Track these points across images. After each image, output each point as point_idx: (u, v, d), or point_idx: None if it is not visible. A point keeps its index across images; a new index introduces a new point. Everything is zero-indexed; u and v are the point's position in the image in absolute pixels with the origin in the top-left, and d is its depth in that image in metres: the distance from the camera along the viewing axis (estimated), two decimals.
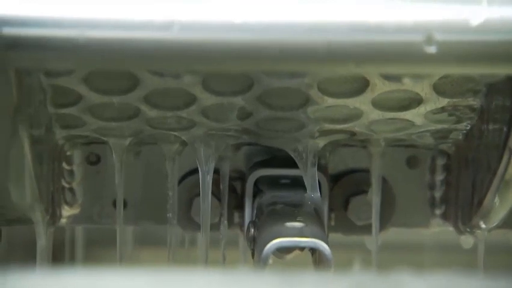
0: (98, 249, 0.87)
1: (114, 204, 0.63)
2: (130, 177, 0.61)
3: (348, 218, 0.63)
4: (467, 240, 0.63)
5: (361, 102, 0.53)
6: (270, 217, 0.56)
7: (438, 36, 0.44)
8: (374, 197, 0.60)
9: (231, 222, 0.62)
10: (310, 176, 0.57)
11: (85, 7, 0.43)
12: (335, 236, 0.63)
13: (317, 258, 0.53)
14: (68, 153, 0.61)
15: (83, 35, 0.43)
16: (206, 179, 0.57)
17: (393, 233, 0.65)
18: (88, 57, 0.43)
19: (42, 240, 0.56)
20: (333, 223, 0.63)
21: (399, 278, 0.39)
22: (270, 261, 0.51)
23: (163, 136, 0.58)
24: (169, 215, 0.61)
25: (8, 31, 0.43)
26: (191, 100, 0.53)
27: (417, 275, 0.39)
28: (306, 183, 0.57)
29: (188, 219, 0.63)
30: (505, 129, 0.52)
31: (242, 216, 0.62)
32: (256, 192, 0.61)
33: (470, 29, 0.44)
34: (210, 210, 0.58)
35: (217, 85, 0.52)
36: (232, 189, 0.62)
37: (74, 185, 0.62)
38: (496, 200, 0.55)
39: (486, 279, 0.40)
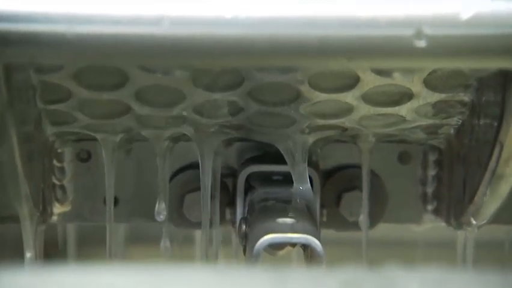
0: (90, 247, 0.87)
1: (105, 201, 0.62)
2: (121, 174, 0.61)
3: (340, 214, 0.63)
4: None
5: (352, 97, 0.53)
6: (262, 213, 0.56)
7: (428, 30, 0.43)
8: (364, 192, 0.60)
9: (222, 219, 0.62)
10: (301, 171, 0.57)
11: (74, 2, 0.43)
12: (327, 232, 0.63)
13: (309, 254, 0.53)
14: (59, 150, 0.61)
15: (71, 30, 0.42)
16: (205, 176, 0.57)
17: (386, 229, 0.65)
18: (77, 53, 0.43)
19: (29, 238, 0.55)
20: (325, 219, 0.63)
21: (391, 273, 0.38)
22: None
23: (154, 133, 0.58)
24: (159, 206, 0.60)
25: None
26: (181, 96, 0.53)
27: (409, 271, 0.39)
28: (294, 180, 0.57)
29: (180, 215, 0.62)
30: (495, 124, 0.52)
31: (234, 213, 0.62)
32: (248, 188, 0.61)
33: (460, 23, 0.44)
34: (209, 208, 0.58)
35: (207, 81, 0.51)
36: (223, 186, 0.62)
37: (65, 182, 0.62)
38: (487, 194, 0.55)
39: (476, 274, 0.40)
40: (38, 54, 0.43)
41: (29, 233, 0.56)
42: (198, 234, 0.79)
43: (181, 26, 0.43)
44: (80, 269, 0.40)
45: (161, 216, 0.60)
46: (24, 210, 0.55)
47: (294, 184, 0.56)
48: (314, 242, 0.51)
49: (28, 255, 0.56)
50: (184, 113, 0.54)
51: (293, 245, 0.54)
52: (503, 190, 0.53)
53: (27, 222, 0.55)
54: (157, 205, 0.60)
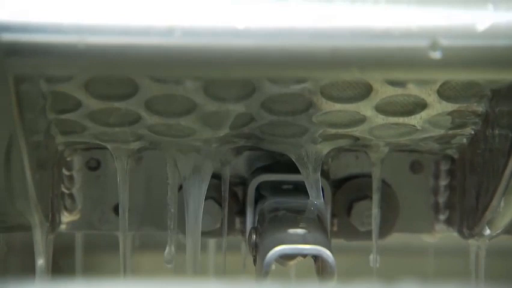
0: (96, 255, 0.86)
1: (114, 209, 0.62)
2: (130, 183, 0.60)
3: (351, 224, 0.62)
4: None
5: (364, 107, 0.52)
6: (272, 223, 0.55)
7: (444, 42, 0.43)
8: (374, 202, 0.59)
9: (232, 228, 0.62)
10: (314, 182, 0.56)
11: (85, 13, 0.42)
12: (337, 241, 0.62)
13: (320, 265, 0.53)
14: (68, 158, 0.61)
15: (82, 41, 0.42)
16: (202, 186, 0.57)
17: (398, 237, 0.64)
18: (88, 64, 0.43)
19: (42, 249, 0.55)
20: (335, 229, 0.62)
21: None
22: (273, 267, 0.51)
23: (164, 142, 0.57)
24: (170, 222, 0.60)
25: (7, 37, 0.42)
26: (192, 106, 0.52)
27: (422, 286, 0.38)
28: (308, 190, 0.56)
29: None
30: (510, 134, 0.52)
31: (244, 222, 0.61)
32: (258, 197, 0.60)
33: (475, 34, 0.43)
34: (200, 221, 0.57)
35: (219, 91, 0.51)
36: (233, 195, 0.62)
37: (74, 190, 0.62)
38: (501, 206, 0.54)
39: None
40: (49, 65, 0.43)
41: (40, 242, 0.55)
42: (209, 243, 0.79)
43: (192, 37, 0.43)
44: (89, 283, 0.39)
45: (170, 265, 0.59)
46: (35, 219, 0.55)
47: (311, 197, 0.56)
48: (326, 253, 0.50)
49: (39, 264, 0.56)
50: (194, 123, 0.54)
51: (304, 255, 0.53)
52: None
53: (38, 231, 0.55)
54: (166, 250, 0.59)
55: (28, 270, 0.57)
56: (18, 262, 0.81)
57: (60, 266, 0.82)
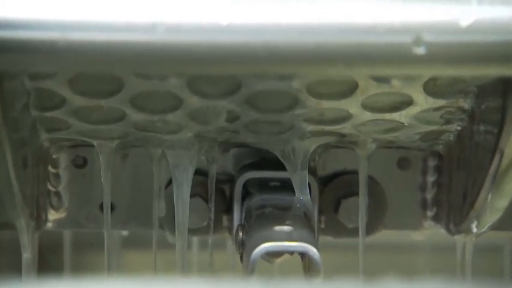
0: (85, 253, 0.86)
1: (101, 207, 0.62)
2: (117, 180, 0.60)
3: (339, 221, 0.62)
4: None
5: (350, 104, 0.52)
6: (259, 221, 0.55)
7: (428, 37, 0.43)
8: (361, 199, 0.59)
9: (219, 226, 0.62)
10: (300, 179, 0.56)
11: (66, 9, 0.42)
12: (325, 238, 0.62)
13: (307, 263, 0.53)
14: (54, 156, 0.60)
15: (64, 38, 0.42)
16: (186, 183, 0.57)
17: (385, 234, 0.64)
18: (69, 60, 0.42)
19: (28, 247, 0.55)
20: (323, 226, 0.62)
21: (389, 286, 0.38)
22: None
23: (150, 138, 0.57)
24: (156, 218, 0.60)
25: None
26: (177, 103, 0.52)
27: (408, 283, 0.38)
28: (294, 187, 0.56)
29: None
30: (495, 130, 0.51)
31: (231, 220, 0.61)
32: (245, 195, 0.60)
33: (459, 29, 0.43)
34: (187, 218, 0.57)
35: (203, 87, 0.51)
36: (220, 192, 0.62)
37: (60, 188, 0.61)
38: (488, 202, 0.54)
39: (476, 286, 0.39)
40: (30, 61, 0.42)
41: (25, 240, 0.55)
42: (195, 240, 0.79)
43: (175, 33, 0.43)
44: (76, 282, 0.39)
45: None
46: (20, 217, 0.54)
47: (297, 194, 0.56)
48: (312, 250, 0.50)
49: (25, 262, 0.56)
50: (180, 120, 0.53)
51: (291, 252, 0.53)
52: (503, 199, 0.53)
53: (24, 229, 0.55)
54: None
55: (15, 268, 0.57)
56: (4, 260, 0.80)
57: (49, 264, 0.82)
